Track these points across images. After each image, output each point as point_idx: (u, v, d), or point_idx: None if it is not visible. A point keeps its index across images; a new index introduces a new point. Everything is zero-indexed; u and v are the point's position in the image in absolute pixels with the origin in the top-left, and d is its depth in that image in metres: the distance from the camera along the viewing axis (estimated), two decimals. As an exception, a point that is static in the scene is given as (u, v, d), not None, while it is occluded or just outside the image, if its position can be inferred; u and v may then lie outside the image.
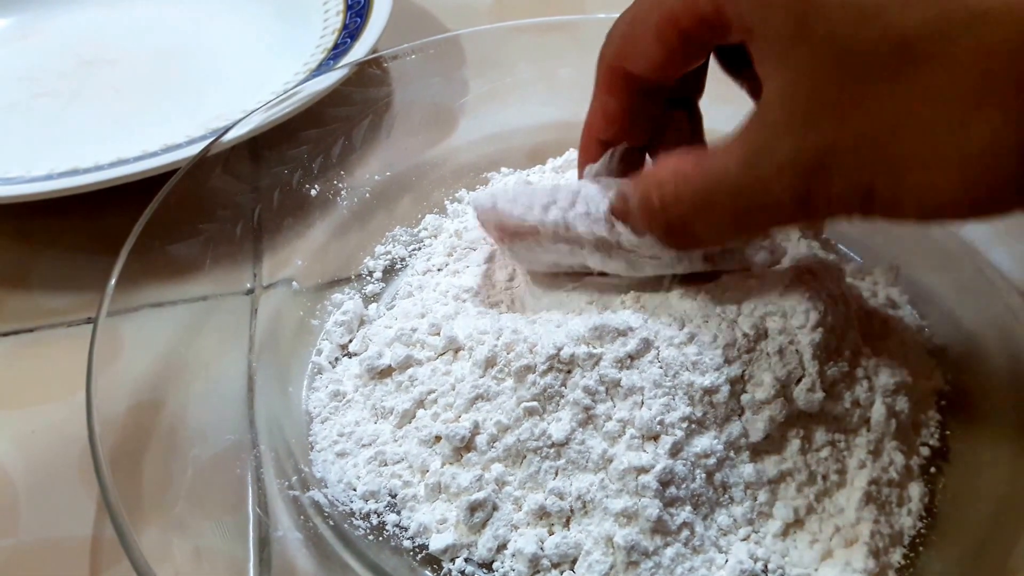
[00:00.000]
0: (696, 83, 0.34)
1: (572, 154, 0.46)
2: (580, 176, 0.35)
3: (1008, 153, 0.22)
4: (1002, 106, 0.21)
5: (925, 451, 0.33)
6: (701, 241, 0.30)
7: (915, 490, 0.31)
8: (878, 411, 0.32)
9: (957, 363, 0.37)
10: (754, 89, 0.33)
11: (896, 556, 0.30)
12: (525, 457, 0.31)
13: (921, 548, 0.31)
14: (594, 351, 0.31)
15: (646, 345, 0.31)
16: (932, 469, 0.33)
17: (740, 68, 0.33)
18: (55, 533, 0.34)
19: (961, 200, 0.23)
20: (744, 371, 0.31)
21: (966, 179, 0.22)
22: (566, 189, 0.33)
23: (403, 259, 0.43)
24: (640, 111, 0.32)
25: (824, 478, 0.31)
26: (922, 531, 0.31)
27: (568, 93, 0.50)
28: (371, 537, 0.32)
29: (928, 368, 0.36)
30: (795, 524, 0.30)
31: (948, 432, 0.34)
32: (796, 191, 0.25)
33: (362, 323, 0.39)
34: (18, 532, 0.34)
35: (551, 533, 0.30)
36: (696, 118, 0.35)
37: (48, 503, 0.35)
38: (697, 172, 0.27)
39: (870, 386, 0.32)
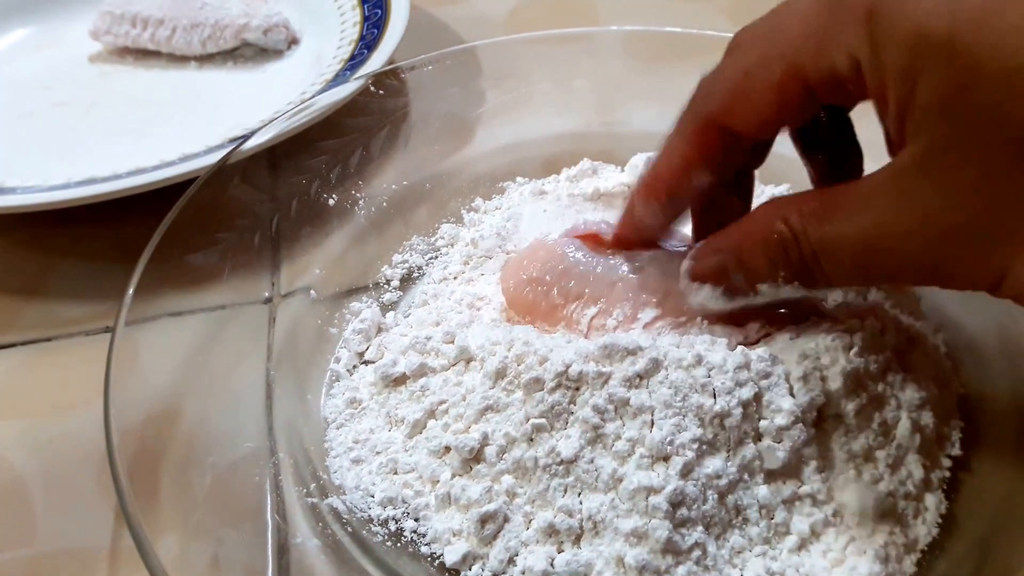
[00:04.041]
0: (763, 153, 0.33)
1: (586, 164, 0.46)
2: (628, 216, 0.35)
3: None
4: None
5: (947, 462, 0.33)
6: (822, 282, 0.29)
7: (931, 500, 0.31)
8: (903, 426, 0.31)
9: (961, 369, 0.36)
10: (818, 171, 0.33)
11: (908, 563, 0.30)
12: (534, 472, 0.31)
13: (935, 554, 0.30)
14: (603, 370, 0.31)
15: (655, 365, 0.31)
16: (947, 475, 0.32)
17: (812, 146, 0.32)
18: (73, 542, 0.35)
19: None
20: (758, 394, 0.31)
21: None
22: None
23: (420, 268, 0.43)
24: (721, 169, 0.31)
25: (843, 494, 0.31)
26: (936, 538, 0.31)
27: (583, 104, 0.50)
28: (389, 544, 0.31)
29: (947, 376, 0.35)
30: (811, 536, 0.30)
31: (962, 438, 0.34)
32: (924, 260, 0.25)
33: (380, 331, 0.40)
34: (36, 541, 0.35)
35: (560, 551, 0.30)
36: (749, 187, 0.35)
37: (66, 512, 0.36)
38: (824, 216, 0.27)
39: (897, 403, 0.31)
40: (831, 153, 0.32)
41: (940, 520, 0.31)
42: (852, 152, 0.32)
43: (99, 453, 0.30)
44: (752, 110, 0.29)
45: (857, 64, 0.25)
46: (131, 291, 0.35)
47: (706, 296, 0.31)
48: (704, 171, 0.31)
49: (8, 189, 0.47)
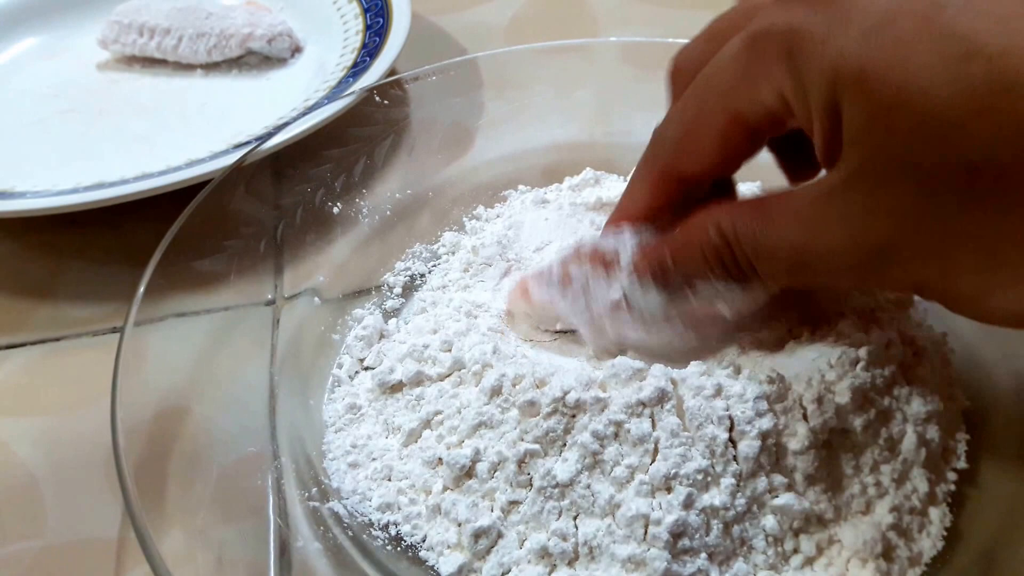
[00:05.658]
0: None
1: (589, 173, 0.46)
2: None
3: None
4: None
5: (952, 476, 0.32)
6: (757, 283, 0.30)
7: (936, 514, 0.31)
8: (909, 439, 0.31)
9: (966, 382, 0.36)
10: (788, 167, 0.34)
11: None
12: (527, 492, 0.31)
13: (939, 567, 0.30)
14: (601, 396, 0.31)
15: (662, 394, 0.31)
16: (952, 488, 0.32)
17: (785, 150, 0.33)
18: (81, 534, 0.35)
19: (1012, 319, 0.24)
20: (776, 423, 0.30)
21: (1018, 303, 0.23)
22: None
23: (422, 275, 0.43)
24: (684, 204, 0.32)
25: (848, 509, 0.31)
26: (941, 551, 0.31)
27: (583, 113, 0.51)
28: (389, 548, 0.32)
29: (952, 389, 0.35)
30: (816, 554, 0.30)
31: (967, 450, 0.33)
32: (852, 269, 0.26)
33: (382, 337, 0.40)
34: (45, 534, 0.35)
35: (552, 571, 0.30)
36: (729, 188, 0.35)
37: (74, 505, 0.36)
38: (756, 226, 0.28)
39: (903, 417, 0.31)
40: (797, 147, 0.33)
41: (945, 533, 0.31)
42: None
43: (106, 449, 0.30)
44: (701, 158, 0.30)
45: (786, 100, 0.26)
46: (141, 291, 0.35)
47: (647, 295, 0.32)
48: (669, 214, 0.32)
49: (19, 194, 0.47)
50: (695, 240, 0.30)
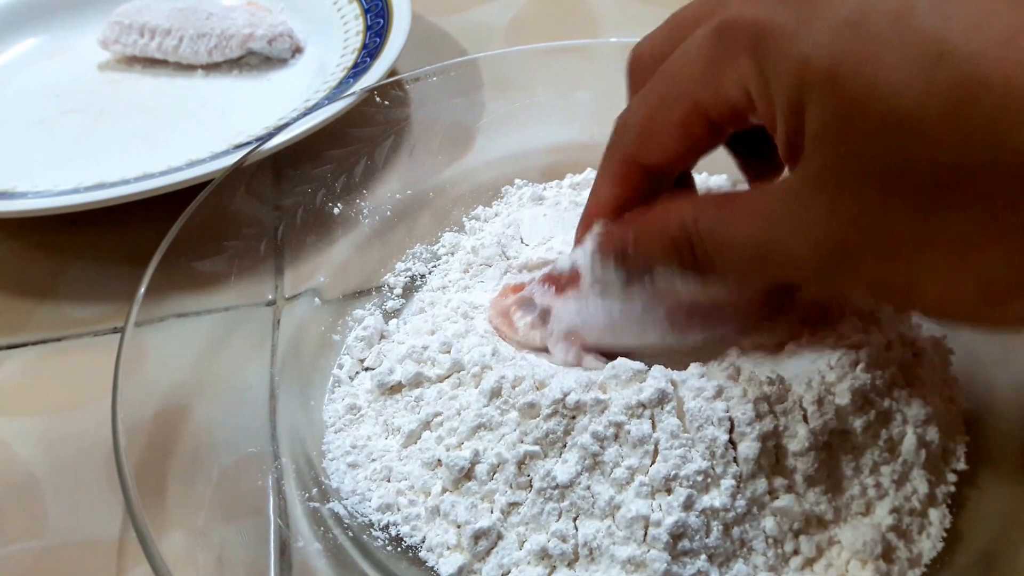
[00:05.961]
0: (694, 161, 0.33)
1: (591, 173, 0.46)
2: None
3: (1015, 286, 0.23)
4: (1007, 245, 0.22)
5: (952, 477, 0.32)
6: (715, 275, 0.30)
7: (935, 515, 0.31)
8: (909, 441, 0.31)
9: (966, 379, 0.36)
10: (747, 167, 0.34)
11: None
12: (527, 494, 0.31)
13: (939, 568, 0.30)
14: (601, 397, 0.31)
15: (662, 396, 0.31)
16: (952, 489, 0.32)
17: (746, 151, 0.33)
18: (82, 535, 0.35)
19: (975, 316, 0.25)
20: (776, 425, 0.30)
21: (979, 302, 0.23)
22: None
23: (423, 275, 0.43)
24: (649, 195, 0.32)
25: (848, 511, 0.31)
26: (941, 552, 0.31)
27: (584, 114, 0.51)
28: (389, 548, 0.32)
29: (952, 390, 0.35)
30: (816, 555, 0.30)
31: (966, 452, 0.33)
32: (811, 269, 0.26)
33: (382, 338, 0.40)
34: (45, 534, 0.35)
35: (552, 573, 0.30)
36: (690, 188, 0.36)
37: (74, 505, 0.36)
38: (717, 221, 0.28)
39: (903, 418, 0.31)
40: (758, 148, 0.33)
41: (944, 534, 0.31)
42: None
43: (107, 449, 0.31)
44: (662, 148, 0.30)
45: (749, 94, 0.26)
46: (142, 291, 0.35)
47: (609, 278, 0.32)
48: (636, 206, 0.32)
49: (20, 194, 0.48)
50: (656, 229, 0.30)
